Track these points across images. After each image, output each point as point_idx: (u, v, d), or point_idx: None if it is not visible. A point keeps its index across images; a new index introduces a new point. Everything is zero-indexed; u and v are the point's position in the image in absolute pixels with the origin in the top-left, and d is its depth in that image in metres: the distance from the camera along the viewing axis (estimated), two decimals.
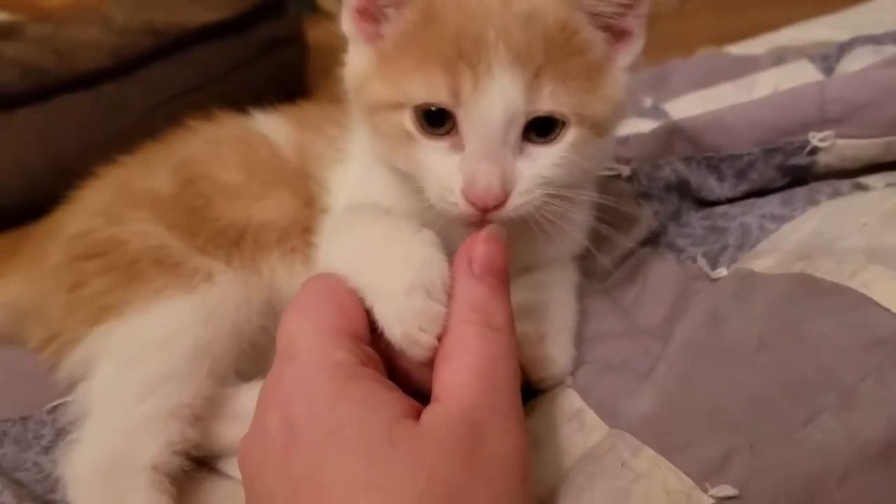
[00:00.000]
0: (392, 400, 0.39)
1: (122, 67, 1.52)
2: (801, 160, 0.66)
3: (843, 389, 0.44)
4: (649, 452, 0.45)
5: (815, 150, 0.65)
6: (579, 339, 0.57)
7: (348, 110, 0.61)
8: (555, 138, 0.48)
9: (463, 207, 0.47)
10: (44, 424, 0.56)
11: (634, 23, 0.50)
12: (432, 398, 0.40)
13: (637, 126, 0.84)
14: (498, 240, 0.44)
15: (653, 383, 0.49)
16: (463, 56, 0.45)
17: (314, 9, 3.18)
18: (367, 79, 0.51)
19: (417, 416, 0.38)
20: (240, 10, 1.72)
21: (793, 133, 0.65)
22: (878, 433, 0.42)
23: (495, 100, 0.45)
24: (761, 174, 0.67)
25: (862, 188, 0.65)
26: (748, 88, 0.89)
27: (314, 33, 2.06)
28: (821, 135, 0.64)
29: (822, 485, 0.41)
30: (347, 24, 0.52)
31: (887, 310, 0.47)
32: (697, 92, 0.93)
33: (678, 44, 2.22)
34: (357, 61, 0.52)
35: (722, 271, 0.59)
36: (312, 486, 0.36)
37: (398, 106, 0.48)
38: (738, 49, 1.14)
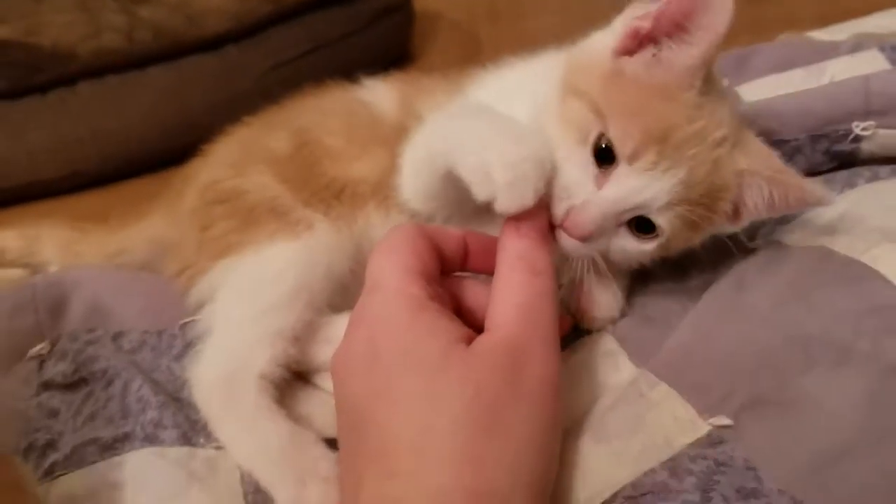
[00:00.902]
0: (451, 328, 0.48)
1: (244, 31, 1.65)
2: (845, 147, 0.72)
3: (840, 347, 0.51)
4: (664, 387, 0.53)
5: (858, 138, 0.71)
6: (631, 293, 0.66)
7: (458, 80, 0.73)
8: (643, 238, 0.57)
9: (557, 210, 0.55)
10: (175, 337, 0.68)
11: (749, 217, 0.59)
12: (484, 329, 0.49)
13: None
14: (540, 214, 0.53)
15: (676, 334, 0.57)
16: (662, 142, 0.54)
17: None
18: (592, 69, 0.58)
19: (468, 339, 0.47)
20: None
21: (838, 122, 0.71)
22: (864, 386, 0.49)
23: (652, 187, 0.54)
24: (808, 158, 0.73)
25: None
26: (818, 75, 0.94)
27: (419, 1, 2.15)
28: (864, 124, 0.70)
29: (808, 426, 0.48)
30: (619, 30, 0.58)
31: (889, 281, 0.54)
32: (772, 76, 0.98)
33: (785, 25, 2.21)
34: (599, 47, 0.59)
35: (758, 242, 0.66)
36: (387, 391, 0.46)
37: (597, 119, 0.55)
38: (823, 34, 1.17)
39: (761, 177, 0.56)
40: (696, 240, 0.60)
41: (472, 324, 0.51)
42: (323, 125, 0.74)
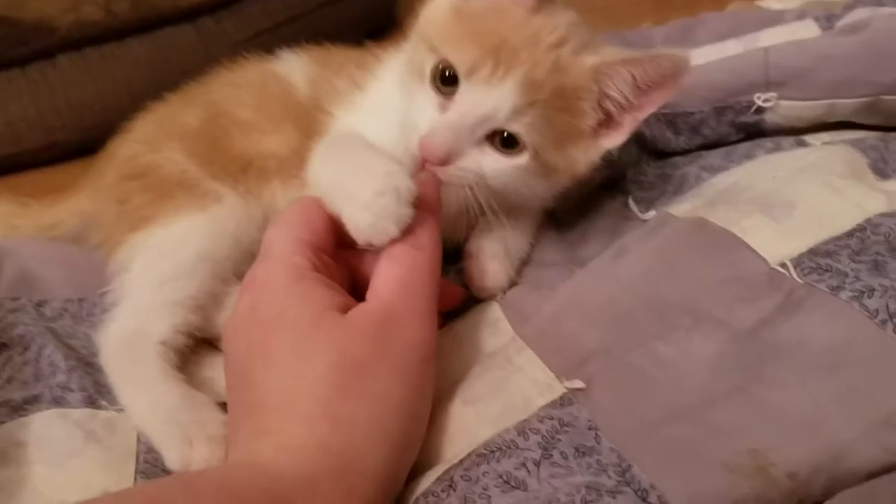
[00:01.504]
0: (327, 296, 0.51)
1: (220, 1, 1.67)
2: (748, 118, 0.73)
3: (696, 314, 0.53)
4: (529, 353, 0.56)
5: (760, 110, 0.73)
6: (523, 265, 0.68)
7: (377, 55, 0.75)
8: (509, 154, 0.59)
9: (414, 151, 0.59)
10: (95, 305, 0.71)
11: (628, 120, 0.61)
12: (366, 297, 0.52)
13: None
14: (432, 181, 0.57)
15: (550, 300, 0.60)
16: (496, 52, 0.57)
17: None
18: (437, 16, 0.62)
19: (345, 307, 0.51)
20: None
21: (739, 94, 0.72)
22: (711, 350, 0.51)
23: (491, 96, 0.57)
24: (714, 129, 0.75)
25: (804, 145, 0.72)
26: (749, 45, 0.94)
27: None
28: (765, 95, 0.72)
29: (651, 388, 0.51)
30: None
31: (755, 251, 0.56)
32: (707, 46, 0.99)
33: None
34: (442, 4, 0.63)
35: (651, 213, 0.68)
36: (263, 350, 0.50)
37: (433, 50, 0.60)
38: (775, 3, 1.17)
39: (615, 64, 0.59)
40: (573, 156, 0.61)
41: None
42: (235, 98, 0.76)
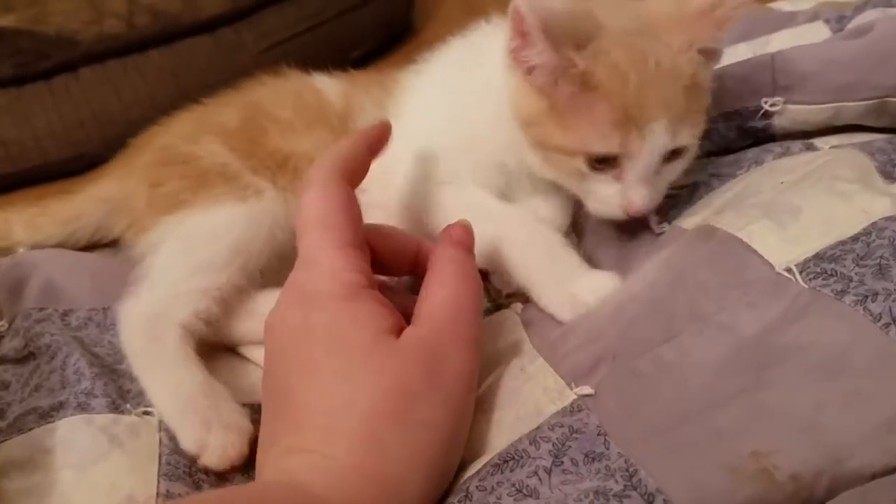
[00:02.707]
0: (381, 317, 0.52)
1: (239, 13, 1.69)
2: (757, 123, 0.74)
3: (701, 319, 0.54)
4: (540, 361, 0.57)
5: (768, 115, 0.73)
6: None
7: (396, 79, 0.80)
8: (680, 156, 0.66)
9: (620, 216, 0.66)
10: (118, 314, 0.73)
11: (721, 40, 0.64)
12: (413, 320, 0.53)
13: None
14: (469, 229, 0.59)
15: None
16: (631, 120, 0.61)
17: None
18: (540, 121, 0.65)
19: (397, 329, 0.52)
20: None
21: (747, 99, 0.73)
22: (714, 355, 0.52)
23: (654, 147, 0.62)
24: (723, 135, 0.75)
25: (812, 149, 0.73)
26: (762, 47, 0.95)
27: None
28: (772, 100, 0.72)
29: (657, 393, 0.52)
30: (508, 56, 0.65)
31: (761, 256, 0.57)
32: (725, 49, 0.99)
33: None
34: (527, 101, 0.65)
35: (664, 227, 0.69)
36: (312, 366, 0.50)
37: (576, 153, 0.63)
38: (787, 5, 1.18)
39: (699, 32, 0.63)
40: (706, 101, 0.67)
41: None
42: (273, 100, 0.80)
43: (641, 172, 0.63)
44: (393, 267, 0.60)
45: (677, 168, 0.66)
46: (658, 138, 0.61)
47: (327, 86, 0.83)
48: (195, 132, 0.78)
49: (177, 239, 0.70)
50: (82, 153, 1.61)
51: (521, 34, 0.62)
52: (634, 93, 0.60)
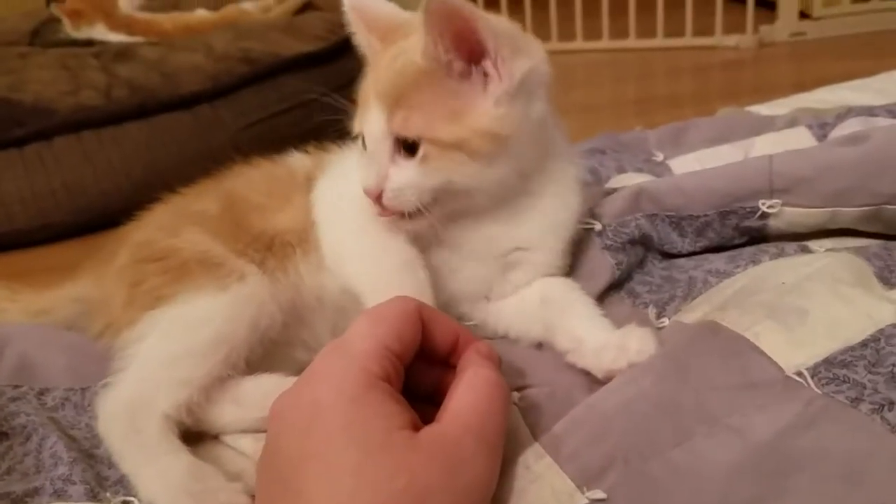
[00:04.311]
0: (397, 412, 0.50)
1: (218, 91, 1.70)
2: (753, 223, 0.75)
3: (712, 421, 0.53)
4: (547, 460, 0.55)
5: (765, 215, 0.74)
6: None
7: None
8: (414, 154, 0.65)
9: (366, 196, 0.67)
10: (96, 395, 0.69)
11: (491, 69, 0.64)
12: (436, 418, 0.52)
13: (639, 180, 0.94)
14: (493, 350, 0.58)
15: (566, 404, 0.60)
16: (363, 102, 0.68)
17: None
18: None
19: (414, 427, 0.49)
20: (331, 42, 1.89)
21: (744, 199, 0.74)
22: (728, 459, 0.51)
23: (369, 124, 0.66)
24: (718, 233, 0.76)
25: (807, 251, 0.74)
26: (745, 151, 0.98)
27: None
28: (770, 202, 0.74)
29: (672, 498, 0.50)
30: None
31: (769, 358, 0.57)
32: (702, 150, 1.02)
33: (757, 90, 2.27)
34: None
35: (665, 321, 0.69)
36: (319, 458, 0.47)
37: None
38: (764, 108, 1.22)
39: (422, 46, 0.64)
40: (475, 123, 0.65)
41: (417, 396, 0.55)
42: (248, 185, 0.79)
43: (368, 152, 0.67)
44: (432, 351, 0.58)
45: (413, 167, 0.66)
46: (372, 117, 0.66)
47: (295, 160, 0.83)
48: (174, 224, 0.76)
49: (157, 331, 0.68)
50: (49, 223, 1.59)
51: None
52: (370, 79, 0.68)
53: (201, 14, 2.23)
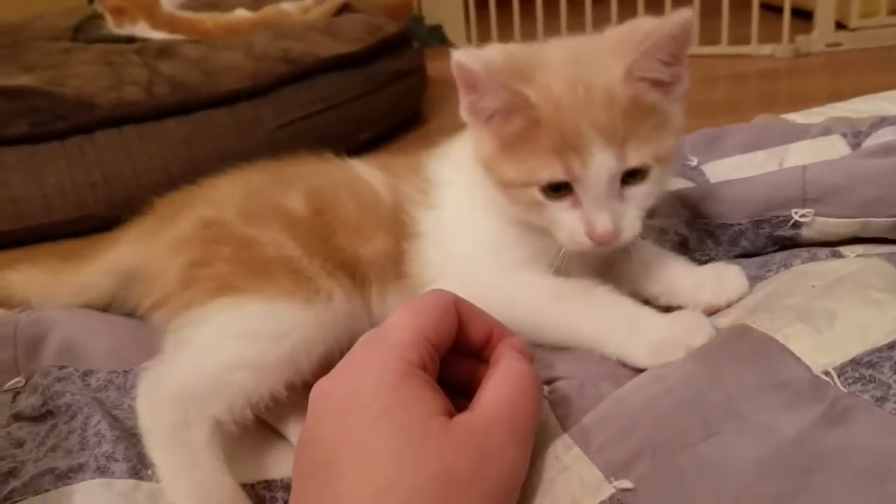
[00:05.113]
0: (434, 400, 0.51)
1: (258, 90, 1.73)
2: (786, 232, 0.76)
3: (740, 418, 0.54)
4: (576, 451, 0.57)
5: (797, 224, 0.75)
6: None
7: (423, 162, 0.79)
8: (643, 179, 0.65)
9: (589, 245, 0.66)
10: (138, 378, 0.71)
11: (679, 71, 0.65)
12: (470, 406, 0.53)
13: (676, 185, 0.95)
14: (523, 344, 0.60)
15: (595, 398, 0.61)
16: (569, 146, 0.63)
17: (444, 41, 3.37)
18: (495, 161, 0.68)
19: (448, 415, 0.51)
20: (369, 44, 1.91)
21: (777, 209, 0.75)
22: (756, 454, 0.52)
23: (599, 170, 0.63)
24: (752, 242, 0.78)
25: (839, 256, 0.74)
26: (780, 157, 0.98)
27: (437, 65, 2.23)
28: (802, 211, 0.75)
29: (699, 490, 0.51)
30: (464, 114, 0.69)
31: (798, 358, 0.58)
32: (737, 156, 1.02)
33: (792, 100, 2.26)
34: (485, 146, 0.68)
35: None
36: (356, 443, 0.49)
37: (527, 184, 0.66)
38: (799, 117, 1.22)
39: (639, 61, 0.63)
40: (672, 127, 0.66)
41: (451, 386, 0.56)
42: (336, 195, 0.76)
43: (594, 196, 0.64)
44: (467, 344, 0.60)
45: (643, 191, 0.66)
46: (601, 161, 0.62)
47: (371, 176, 0.79)
48: (256, 214, 0.73)
49: (226, 324, 0.65)
50: (88, 215, 1.62)
51: (469, 87, 0.65)
52: (568, 119, 0.62)
53: (241, 14, 2.27)
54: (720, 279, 0.68)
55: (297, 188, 0.76)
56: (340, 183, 0.78)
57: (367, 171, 0.80)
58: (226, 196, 0.76)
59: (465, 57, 0.63)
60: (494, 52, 0.66)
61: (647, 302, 0.72)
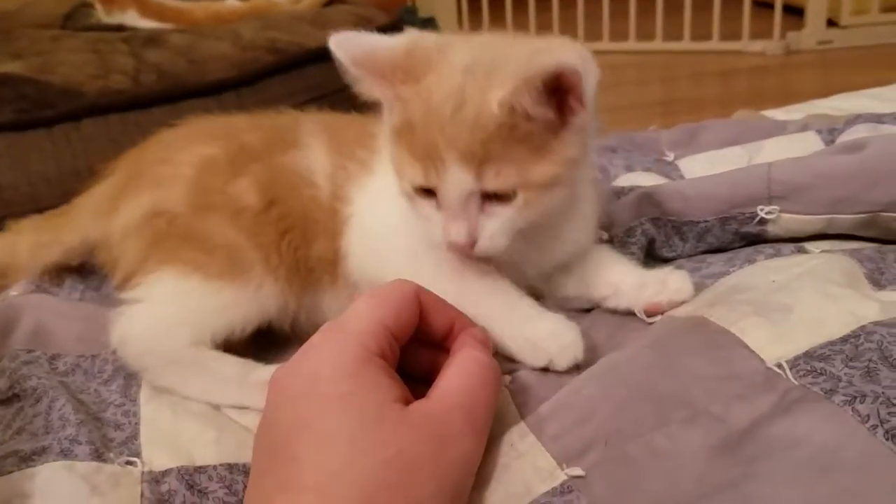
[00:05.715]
0: (391, 386, 0.52)
1: (244, 79, 1.72)
2: (752, 228, 0.77)
3: (693, 408, 0.55)
4: (531, 438, 0.58)
5: (763, 221, 0.76)
6: None
7: (374, 134, 0.77)
8: (508, 201, 0.63)
9: (444, 246, 0.65)
10: (107, 362, 0.73)
11: (575, 102, 0.61)
12: (428, 394, 0.54)
13: (648, 180, 0.96)
14: (485, 335, 0.62)
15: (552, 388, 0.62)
16: (429, 155, 0.61)
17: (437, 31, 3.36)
18: (387, 141, 0.67)
19: (405, 402, 0.52)
20: None
21: (743, 206, 0.76)
22: (707, 444, 0.53)
23: (452, 184, 0.62)
24: (719, 238, 0.78)
25: (803, 251, 0.75)
26: (754, 153, 0.99)
27: None
28: (768, 208, 0.75)
29: (649, 478, 0.52)
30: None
31: (752, 351, 0.58)
32: (712, 151, 1.03)
33: (781, 97, 2.26)
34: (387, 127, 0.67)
35: (657, 317, 0.70)
36: (313, 427, 0.50)
37: (401, 176, 0.66)
38: (779, 114, 1.23)
39: (515, 94, 0.58)
40: (559, 156, 0.63)
41: (409, 374, 0.58)
42: (286, 187, 0.77)
43: (449, 207, 0.63)
44: (429, 334, 0.61)
45: (507, 213, 0.63)
46: (454, 177, 0.61)
47: (317, 169, 0.78)
48: (201, 203, 0.76)
49: (181, 287, 0.74)
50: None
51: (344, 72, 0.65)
52: (431, 131, 0.61)
53: (231, 3, 2.27)
54: (662, 281, 0.68)
55: (245, 174, 0.77)
56: (289, 174, 0.78)
57: (313, 159, 0.79)
58: (174, 177, 0.78)
59: (337, 44, 0.63)
60: (399, 41, 0.65)
61: (596, 305, 0.74)
